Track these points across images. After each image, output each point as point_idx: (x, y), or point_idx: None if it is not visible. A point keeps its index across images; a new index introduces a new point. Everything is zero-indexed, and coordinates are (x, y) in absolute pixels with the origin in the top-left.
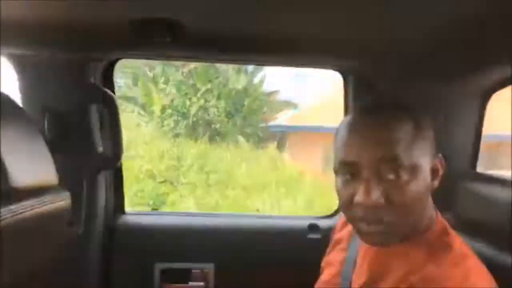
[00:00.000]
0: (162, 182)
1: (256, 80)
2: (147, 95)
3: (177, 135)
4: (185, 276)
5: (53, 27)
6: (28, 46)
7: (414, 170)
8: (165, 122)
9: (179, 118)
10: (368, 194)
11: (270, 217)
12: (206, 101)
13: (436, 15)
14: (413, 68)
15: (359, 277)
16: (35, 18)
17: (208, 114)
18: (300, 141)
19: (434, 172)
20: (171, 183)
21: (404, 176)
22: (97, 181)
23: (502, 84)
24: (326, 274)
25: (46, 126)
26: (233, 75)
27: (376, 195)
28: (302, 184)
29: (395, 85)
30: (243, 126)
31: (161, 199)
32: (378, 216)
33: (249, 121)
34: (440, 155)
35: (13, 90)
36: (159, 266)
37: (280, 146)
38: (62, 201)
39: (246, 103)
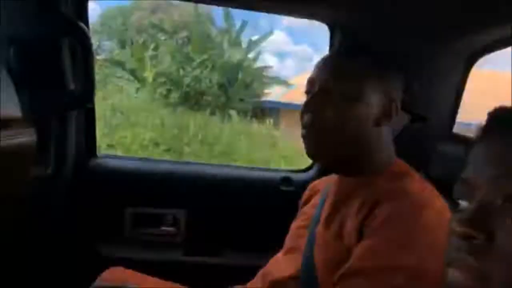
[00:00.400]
0: (166, 150)
1: (251, 55)
2: (139, 60)
3: (174, 104)
4: (156, 221)
5: None
6: None
7: (355, 96)
8: (158, 90)
9: (172, 87)
10: (308, 103)
11: (244, 168)
12: (201, 72)
13: None
14: (401, 26)
15: (325, 211)
16: None
17: (201, 85)
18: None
19: (385, 111)
20: (175, 152)
21: (334, 99)
22: (67, 120)
23: (487, 49)
24: (298, 221)
25: (12, 59)
26: (228, 48)
27: (312, 105)
28: (302, 162)
29: (381, 41)
30: (235, 100)
31: None
32: (310, 124)
33: (241, 95)
34: (398, 102)
35: None
36: (130, 211)
37: (275, 123)
38: (26, 136)
39: (239, 76)
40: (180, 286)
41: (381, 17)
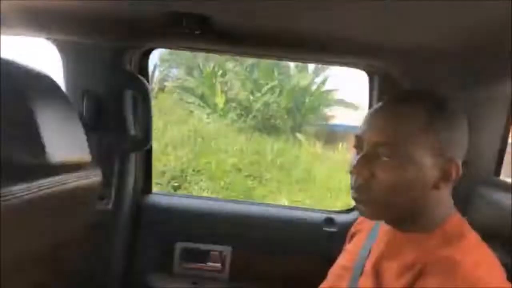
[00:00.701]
0: (247, 176)
1: (318, 79)
2: (209, 87)
3: (246, 129)
4: (204, 257)
5: (96, 16)
6: (72, 33)
7: (406, 160)
8: (229, 116)
9: (242, 112)
10: (358, 164)
11: (289, 207)
12: (270, 97)
13: (463, 17)
14: (439, 70)
15: (372, 256)
16: (81, 7)
17: (269, 110)
18: None
19: (444, 173)
20: (255, 178)
21: (394, 162)
22: (127, 161)
23: None
24: (341, 259)
25: (84, 108)
26: (296, 73)
27: (363, 167)
28: None
29: (418, 86)
30: (301, 124)
31: (249, 193)
32: (362, 186)
33: (308, 119)
34: (458, 160)
35: (56, 73)
36: (180, 245)
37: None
38: (94, 176)
39: (307, 100)
40: None
41: (418, 63)
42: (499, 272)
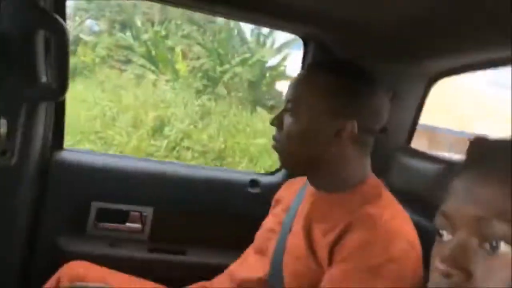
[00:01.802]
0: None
1: (279, 56)
2: (159, 50)
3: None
4: (122, 217)
5: None
6: None
7: (303, 115)
8: (194, 85)
9: (209, 83)
10: (274, 117)
11: (214, 169)
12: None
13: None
14: (370, 44)
15: (298, 222)
16: None
17: (234, 82)
18: None
19: (338, 131)
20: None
21: (294, 116)
22: (36, 112)
23: (449, 73)
24: (268, 222)
25: None
26: (257, 48)
27: (275, 119)
28: None
29: (351, 56)
30: (262, 98)
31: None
32: (274, 137)
33: (268, 93)
34: (354, 122)
35: None
36: (95, 205)
37: None
38: None
39: (268, 74)
40: (142, 280)
41: (352, 34)
42: (410, 224)
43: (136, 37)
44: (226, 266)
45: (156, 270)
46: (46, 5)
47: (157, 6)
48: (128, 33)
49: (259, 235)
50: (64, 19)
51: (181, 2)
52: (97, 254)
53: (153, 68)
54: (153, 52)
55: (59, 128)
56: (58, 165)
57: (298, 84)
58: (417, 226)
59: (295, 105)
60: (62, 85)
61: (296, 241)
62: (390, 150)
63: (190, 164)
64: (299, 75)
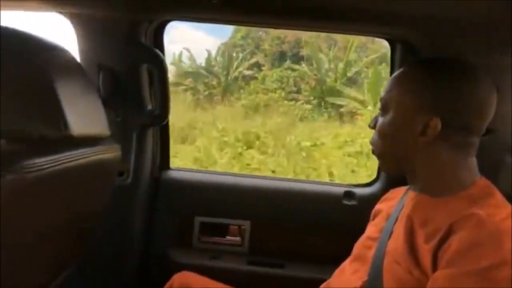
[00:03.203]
0: None
1: None
2: None
3: None
4: (223, 231)
5: None
6: (86, 6)
7: (393, 115)
8: None
9: None
10: (371, 121)
11: (308, 181)
12: None
13: None
14: (460, 37)
15: (399, 226)
16: None
17: None
18: None
19: (424, 127)
20: None
21: (385, 116)
22: (145, 136)
23: None
24: (367, 232)
25: (100, 83)
26: None
27: (372, 122)
28: None
29: (441, 54)
30: None
31: None
32: (371, 140)
33: None
34: (437, 117)
35: (73, 48)
36: (198, 219)
37: None
38: (113, 151)
39: None
40: None
41: (441, 32)
42: None
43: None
44: (323, 280)
45: (255, 282)
46: (147, 42)
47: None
48: (303, 64)
49: (358, 244)
50: (163, 52)
51: (267, 22)
52: (201, 265)
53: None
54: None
55: (165, 150)
56: (166, 183)
57: (390, 83)
58: None
59: (385, 104)
60: (164, 111)
61: (396, 245)
62: (498, 151)
63: (284, 177)
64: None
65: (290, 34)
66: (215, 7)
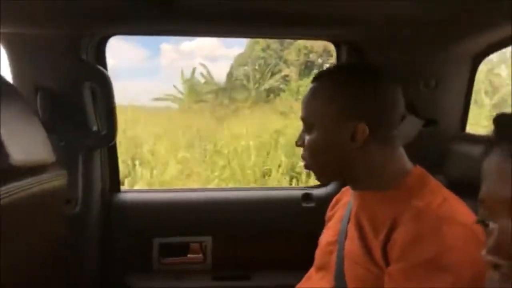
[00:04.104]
0: None
1: None
2: None
3: None
4: (183, 249)
5: (44, 3)
6: (17, 24)
7: (317, 129)
8: None
9: None
10: (296, 140)
11: (265, 188)
12: None
13: None
14: (403, 35)
15: (351, 226)
16: None
17: None
18: None
19: (352, 135)
20: None
21: (311, 132)
22: (92, 159)
23: (491, 49)
24: (325, 236)
25: (39, 105)
26: None
27: (299, 141)
28: None
29: (385, 52)
30: None
31: None
32: (302, 155)
33: None
34: (362, 122)
35: (5, 70)
36: (157, 241)
37: None
38: (59, 179)
39: None
40: None
41: (383, 29)
42: (464, 207)
43: None
44: (291, 286)
45: None
46: (88, 58)
47: None
48: None
49: (318, 252)
50: (105, 68)
51: (211, 31)
52: None
53: None
54: None
55: (114, 172)
56: (118, 206)
57: (306, 100)
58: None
59: (308, 121)
60: (111, 131)
61: (352, 246)
62: (444, 140)
63: (240, 187)
64: (308, 89)
65: (317, 44)
66: (157, 19)
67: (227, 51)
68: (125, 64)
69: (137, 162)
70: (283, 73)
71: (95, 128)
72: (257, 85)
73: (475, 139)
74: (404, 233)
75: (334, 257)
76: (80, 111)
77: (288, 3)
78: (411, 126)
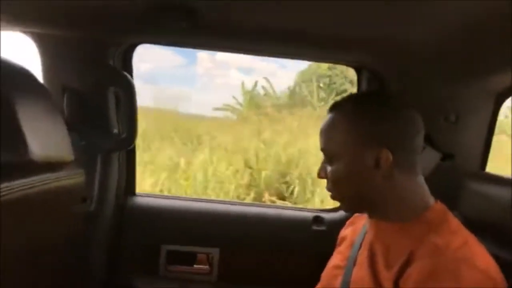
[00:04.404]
0: None
1: None
2: None
3: None
4: (190, 259)
5: (78, 9)
6: (51, 26)
7: (338, 159)
8: None
9: None
10: (318, 171)
11: (277, 207)
12: None
13: (449, 15)
14: (426, 67)
15: (362, 253)
16: None
17: None
18: None
19: (375, 162)
20: None
21: (332, 162)
22: (110, 161)
23: None
24: (333, 260)
25: (65, 104)
26: None
27: (321, 173)
28: None
29: (407, 82)
30: None
31: None
32: (327, 186)
33: None
34: (385, 148)
35: (36, 68)
36: (165, 248)
37: None
38: (76, 177)
39: None
40: None
41: (407, 59)
42: (485, 253)
43: None
44: None
45: None
46: (115, 64)
47: None
48: None
49: (325, 274)
50: (131, 74)
51: (236, 47)
52: None
53: None
54: None
55: (131, 175)
56: (132, 210)
57: (325, 131)
58: (497, 259)
59: (329, 152)
60: (131, 135)
61: (361, 273)
62: (461, 176)
63: (253, 203)
64: (325, 119)
65: None
66: (184, 31)
67: (262, 64)
68: (161, 70)
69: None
70: (348, 93)
71: (115, 131)
72: (322, 103)
73: (492, 179)
74: (420, 268)
75: (339, 282)
76: (102, 114)
77: (313, 25)
78: (429, 158)
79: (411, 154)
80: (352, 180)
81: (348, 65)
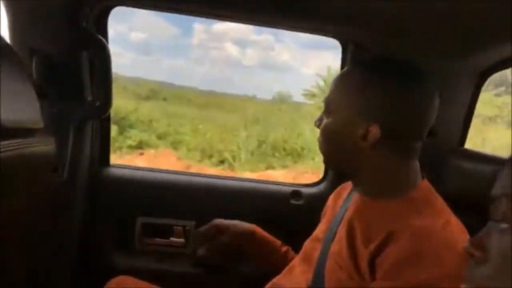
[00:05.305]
0: None
1: None
2: None
3: None
4: (166, 231)
5: None
6: None
7: (335, 116)
8: None
9: None
10: (315, 120)
11: (255, 181)
12: None
13: None
14: (411, 43)
15: (342, 228)
16: None
17: None
18: None
19: (364, 134)
20: None
21: (328, 117)
22: (83, 129)
23: (499, 66)
24: (315, 232)
25: (34, 69)
26: None
27: (317, 122)
28: None
29: (390, 55)
30: None
31: None
32: (318, 139)
33: None
34: (377, 124)
35: (2, 29)
36: (141, 220)
37: None
38: (47, 145)
39: None
40: None
41: (392, 33)
42: (464, 234)
43: None
44: (270, 278)
45: (201, 285)
46: (88, 26)
47: None
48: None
49: (307, 243)
50: (106, 38)
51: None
52: (144, 269)
53: None
54: None
55: (105, 145)
56: (105, 181)
57: (333, 83)
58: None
59: (328, 105)
60: (106, 103)
61: (339, 248)
62: (441, 153)
63: (231, 176)
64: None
65: None
66: None
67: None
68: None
69: None
70: None
71: (90, 98)
72: None
73: (472, 155)
74: (398, 250)
75: (317, 253)
76: (76, 80)
77: None
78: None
79: (407, 140)
80: (338, 139)
81: (334, 37)
